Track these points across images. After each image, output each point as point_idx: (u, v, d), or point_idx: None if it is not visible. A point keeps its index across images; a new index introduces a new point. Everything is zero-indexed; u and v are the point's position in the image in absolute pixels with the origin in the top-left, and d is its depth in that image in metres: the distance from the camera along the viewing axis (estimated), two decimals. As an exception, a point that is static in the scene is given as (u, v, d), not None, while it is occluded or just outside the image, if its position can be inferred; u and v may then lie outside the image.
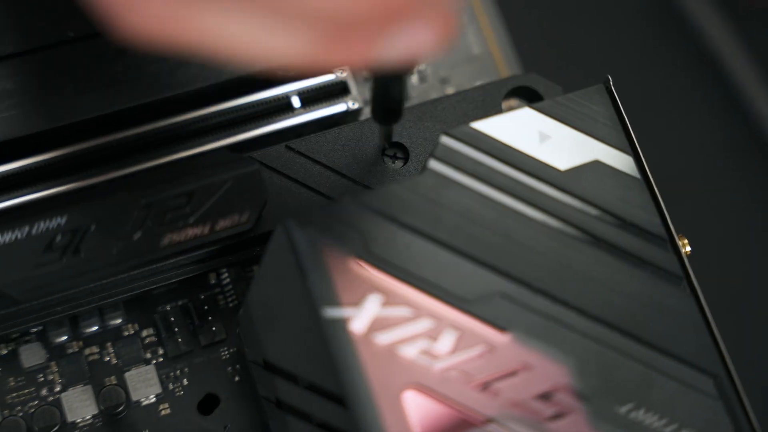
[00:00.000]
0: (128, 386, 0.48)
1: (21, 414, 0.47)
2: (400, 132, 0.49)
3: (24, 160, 0.48)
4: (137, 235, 0.44)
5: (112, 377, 0.48)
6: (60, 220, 0.44)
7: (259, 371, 0.45)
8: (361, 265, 0.42)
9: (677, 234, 0.45)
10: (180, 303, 0.50)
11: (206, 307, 0.49)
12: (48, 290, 0.44)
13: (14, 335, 0.48)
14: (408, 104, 0.55)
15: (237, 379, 0.49)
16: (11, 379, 0.48)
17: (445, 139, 0.45)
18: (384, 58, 0.34)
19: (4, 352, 0.48)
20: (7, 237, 0.43)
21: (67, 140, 0.49)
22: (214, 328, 0.49)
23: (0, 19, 0.49)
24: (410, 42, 0.34)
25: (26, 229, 0.43)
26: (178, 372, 0.49)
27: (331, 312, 0.41)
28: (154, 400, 0.48)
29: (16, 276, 0.43)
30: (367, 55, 0.34)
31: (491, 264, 0.43)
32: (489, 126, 0.45)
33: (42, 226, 0.43)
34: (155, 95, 0.49)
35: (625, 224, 0.44)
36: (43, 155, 0.49)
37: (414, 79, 0.56)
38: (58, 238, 0.43)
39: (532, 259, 0.43)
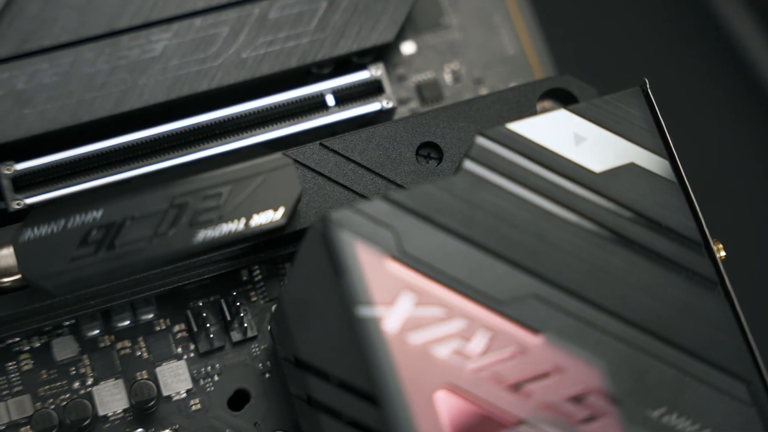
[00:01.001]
0: (159, 381, 0.48)
1: (53, 407, 0.48)
2: (434, 131, 0.49)
3: (60, 153, 0.49)
4: (172, 231, 0.44)
5: (144, 372, 0.49)
6: (96, 215, 0.44)
7: (291, 368, 0.45)
8: (394, 265, 0.42)
9: (712, 238, 0.45)
10: (212, 299, 0.50)
11: (238, 304, 0.49)
12: (82, 284, 0.44)
13: (47, 328, 0.48)
14: (442, 104, 0.55)
15: (267, 376, 0.49)
16: (43, 371, 0.48)
17: (481, 140, 0.45)
18: None
19: (37, 344, 0.48)
20: (43, 230, 0.43)
21: (102, 135, 0.49)
22: (245, 325, 0.49)
23: (40, 12, 0.49)
24: None
25: (62, 222, 0.43)
26: (209, 368, 0.49)
27: (365, 311, 0.41)
28: (184, 395, 0.49)
29: (52, 269, 0.43)
30: None
31: (525, 265, 0.43)
32: (524, 127, 0.45)
33: (78, 220, 0.44)
34: (191, 91, 0.49)
35: (660, 228, 0.44)
36: (79, 149, 0.49)
37: (448, 79, 0.56)
38: (94, 232, 0.44)
39: (566, 261, 0.43)
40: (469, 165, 0.44)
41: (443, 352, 0.42)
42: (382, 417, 0.41)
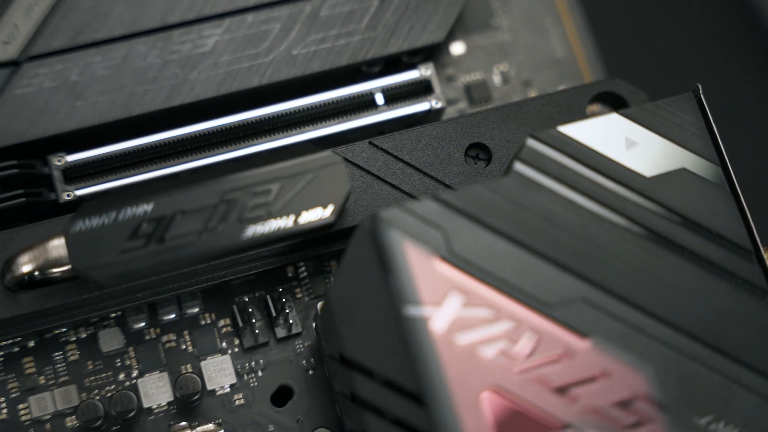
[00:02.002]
0: (204, 375, 0.49)
1: (98, 397, 0.48)
2: (484, 133, 0.49)
3: (111, 146, 0.49)
4: (221, 226, 0.44)
5: (188, 365, 0.49)
6: (146, 208, 0.44)
7: (336, 366, 0.46)
8: (443, 265, 0.42)
9: (763, 246, 0.44)
10: (257, 294, 0.50)
11: (284, 300, 0.49)
12: (131, 277, 0.44)
13: (94, 319, 0.49)
14: (490, 105, 0.55)
15: (311, 372, 0.49)
16: (89, 362, 0.48)
17: (532, 142, 0.45)
18: None
19: (84, 335, 0.49)
20: (94, 222, 0.43)
21: (152, 129, 0.50)
22: (290, 321, 0.49)
23: (94, 5, 0.49)
24: None
25: (113, 215, 0.44)
26: (253, 363, 0.49)
27: (413, 310, 0.41)
28: (228, 390, 0.49)
29: (101, 261, 0.43)
30: None
31: (574, 269, 0.43)
32: (576, 130, 0.45)
33: (128, 212, 0.44)
34: (241, 87, 0.50)
35: (710, 234, 0.44)
36: (129, 142, 0.49)
37: (497, 80, 0.56)
38: (144, 225, 0.44)
39: (615, 266, 0.43)
40: (519, 167, 0.44)
41: (490, 353, 0.41)
42: (427, 417, 0.41)
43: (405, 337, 0.41)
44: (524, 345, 0.42)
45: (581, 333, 0.42)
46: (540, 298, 0.42)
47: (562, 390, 0.41)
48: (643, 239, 0.44)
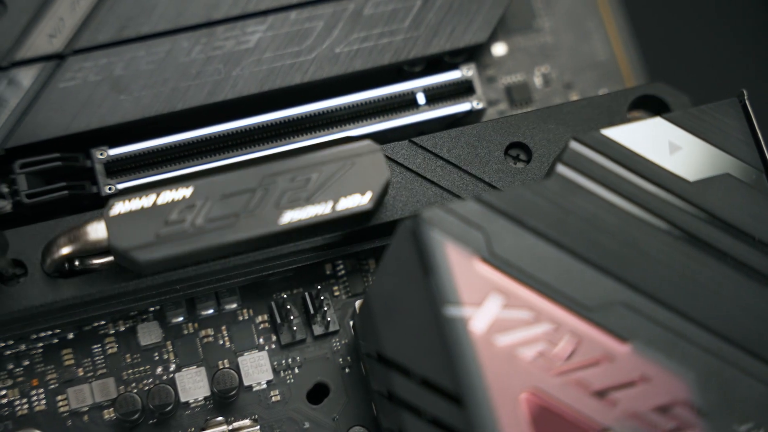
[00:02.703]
0: (241, 371, 0.49)
1: (135, 391, 0.48)
2: (524, 133, 0.49)
3: (153, 140, 0.49)
4: (259, 211, 0.44)
5: (225, 360, 0.49)
6: (185, 192, 0.44)
7: (373, 364, 0.46)
8: (483, 266, 0.42)
9: (806, 254, 0.44)
10: (295, 291, 0.50)
11: (322, 298, 0.49)
12: (169, 260, 0.44)
13: (132, 313, 0.49)
14: (531, 107, 0.55)
15: (347, 371, 0.49)
16: (128, 355, 0.49)
17: (574, 144, 0.45)
18: None
19: (122, 328, 0.49)
20: (135, 205, 0.44)
21: (194, 124, 0.50)
22: (328, 319, 0.49)
23: (141, 1, 0.49)
24: None
25: (153, 198, 0.44)
26: (290, 360, 0.49)
27: (453, 310, 0.41)
28: (265, 386, 0.49)
29: (140, 242, 0.43)
30: None
31: (615, 272, 0.43)
32: (619, 133, 0.45)
33: (168, 196, 0.44)
34: (284, 84, 0.50)
35: (753, 241, 0.44)
36: (171, 137, 0.49)
37: (538, 82, 0.55)
38: (183, 209, 0.44)
39: (657, 270, 0.43)
40: (561, 169, 0.44)
41: (529, 355, 0.41)
42: (465, 417, 0.41)
43: (444, 338, 0.41)
44: (564, 348, 0.42)
45: (621, 337, 0.42)
46: (580, 301, 0.42)
47: (601, 394, 0.41)
48: (685, 244, 0.43)
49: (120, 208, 0.44)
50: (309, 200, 0.45)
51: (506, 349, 0.41)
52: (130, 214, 0.44)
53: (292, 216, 0.45)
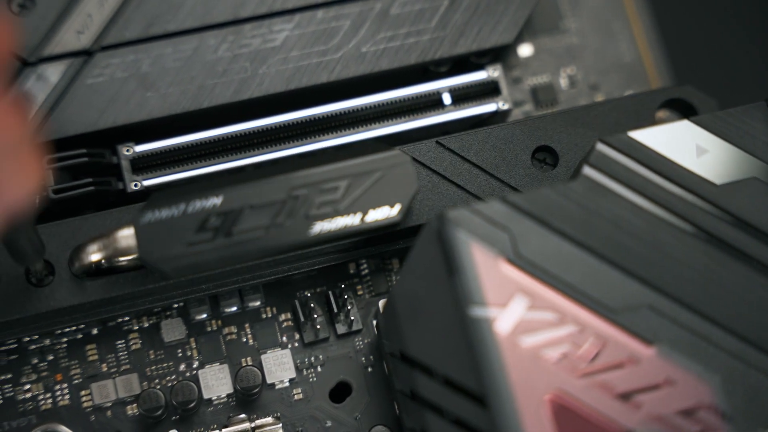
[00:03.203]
0: (264, 368, 0.49)
1: (158, 387, 0.48)
2: (551, 136, 0.49)
3: (179, 137, 0.49)
4: (289, 222, 0.45)
5: (248, 358, 0.49)
6: (215, 201, 0.44)
7: (396, 363, 0.46)
8: (509, 267, 0.42)
9: (833, 259, 0.44)
10: (318, 290, 0.50)
11: (345, 296, 0.49)
12: (198, 269, 0.44)
13: (156, 309, 0.49)
14: (556, 108, 0.55)
15: (370, 370, 0.49)
16: (151, 352, 0.49)
17: (601, 147, 0.44)
18: None
19: (146, 325, 0.49)
20: (164, 214, 0.44)
21: (220, 122, 0.50)
22: (352, 318, 0.49)
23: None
24: None
25: (182, 207, 0.44)
26: (313, 358, 0.49)
27: (478, 311, 0.41)
28: (287, 384, 0.49)
29: (169, 252, 0.44)
30: None
31: (640, 275, 0.43)
32: (646, 136, 0.45)
33: (197, 205, 0.44)
34: (310, 82, 0.50)
35: (780, 245, 0.44)
36: (197, 134, 0.49)
37: (563, 83, 0.55)
38: (212, 218, 0.44)
39: (682, 273, 0.43)
40: (588, 171, 0.44)
41: (554, 357, 0.41)
42: (488, 418, 0.41)
43: (469, 338, 0.41)
44: (588, 350, 0.42)
45: (646, 340, 0.42)
46: (605, 304, 0.42)
47: (625, 396, 0.41)
48: (712, 247, 0.43)
49: (150, 216, 0.44)
50: (338, 212, 0.45)
51: (531, 350, 0.41)
52: (160, 223, 0.44)
53: (321, 227, 0.45)
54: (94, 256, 0.45)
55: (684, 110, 0.50)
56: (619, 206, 0.44)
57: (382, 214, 0.45)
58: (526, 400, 0.41)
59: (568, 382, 0.41)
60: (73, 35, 0.49)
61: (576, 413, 0.41)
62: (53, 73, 0.48)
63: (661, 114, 0.51)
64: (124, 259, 0.45)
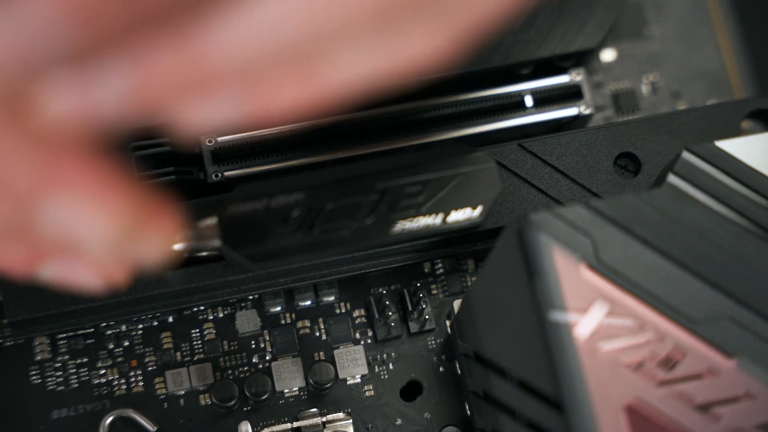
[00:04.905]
0: (336, 363, 0.49)
1: (231, 377, 0.48)
2: (634, 143, 0.49)
3: (260, 130, 0.49)
4: (371, 220, 0.45)
5: (321, 352, 0.49)
6: (298, 196, 0.44)
7: (471, 364, 0.45)
8: (590, 273, 0.42)
9: None
10: (392, 287, 0.50)
11: (421, 295, 0.49)
12: (278, 264, 0.45)
13: (232, 300, 0.49)
14: (637, 115, 0.54)
15: (441, 369, 0.49)
16: (225, 342, 0.49)
17: (687, 155, 0.44)
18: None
19: (221, 315, 0.49)
20: (248, 207, 0.44)
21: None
22: (425, 317, 0.49)
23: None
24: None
25: (266, 201, 0.44)
26: (385, 356, 0.49)
27: (558, 316, 0.41)
28: (359, 380, 0.49)
29: (251, 246, 0.44)
30: None
31: (722, 286, 0.42)
32: (733, 146, 0.44)
33: (281, 200, 0.44)
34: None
35: None
36: (278, 127, 0.50)
37: (645, 89, 0.55)
38: (295, 213, 0.44)
39: (765, 286, 0.42)
40: (673, 179, 0.44)
41: (632, 364, 0.41)
42: (564, 423, 0.41)
43: (548, 342, 0.41)
44: (667, 359, 0.41)
45: (727, 352, 0.41)
46: (686, 313, 0.42)
47: (704, 408, 0.41)
48: (796, 261, 0.43)
49: (234, 209, 0.44)
50: (420, 212, 0.45)
51: (610, 357, 0.41)
52: (244, 216, 0.44)
53: (403, 226, 0.45)
54: (177, 246, 0.45)
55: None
56: (703, 216, 0.43)
57: (463, 215, 0.45)
58: (604, 407, 0.40)
59: (646, 390, 0.41)
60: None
61: (653, 422, 0.41)
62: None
63: (745, 124, 0.51)
64: (205, 250, 0.45)
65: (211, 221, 0.44)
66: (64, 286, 0.35)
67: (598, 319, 0.41)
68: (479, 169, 0.45)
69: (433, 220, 0.45)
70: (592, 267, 0.42)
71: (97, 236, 0.32)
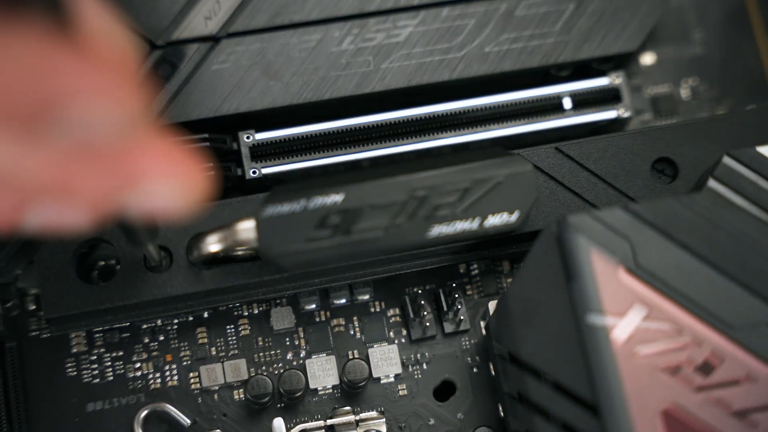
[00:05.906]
0: (370, 362, 0.49)
1: (266, 374, 0.48)
2: (672, 147, 0.48)
3: (298, 127, 0.50)
4: (407, 224, 0.45)
5: (355, 351, 0.49)
6: (336, 199, 0.44)
7: (506, 365, 0.45)
8: (628, 276, 0.42)
9: None
10: (427, 287, 0.50)
11: (456, 296, 0.49)
12: (314, 265, 0.45)
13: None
14: (675, 119, 0.54)
15: (475, 370, 0.49)
16: (260, 338, 0.49)
17: (728, 160, 0.44)
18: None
19: (256, 312, 0.49)
20: (285, 208, 0.44)
21: (339, 114, 0.50)
22: (460, 317, 0.49)
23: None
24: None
25: (303, 202, 0.44)
26: (419, 356, 0.49)
27: (595, 318, 0.41)
28: (392, 379, 0.49)
29: (288, 247, 0.44)
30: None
31: (761, 292, 0.42)
32: (774, 152, 0.44)
33: (318, 201, 0.44)
34: (431, 80, 0.50)
35: None
36: (316, 125, 0.50)
37: (684, 94, 0.55)
38: (333, 216, 0.44)
39: (805, 293, 0.42)
40: (713, 184, 0.43)
41: (669, 369, 0.41)
42: (600, 426, 0.40)
43: (585, 345, 0.41)
44: (705, 365, 0.41)
45: (765, 358, 0.41)
46: (724, 319, 0.42)
47: (741, 414, 0.41)
48: (836, 269, 0.42)
49: (271, 210, 0.44)
50: (457, 215, 0.45)
51: (647, 362, 0.41)
52: (280, 217, 0.44)
53: (440, 230, 0.45)
54: (214, 246, 0.45)
55: (810, 128, 0.49)
56: (744, 221, 0.43)
57: (500, 220, 0.45)
58: (640, 411, 0.40)
59: (683, 395, 0.41)
60: (201, 21, 0.49)
61: (690, 428, 0.40)
62: (180, 57, 0.49)
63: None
64: (241, 251, 0.45)
65: (248, 224, 0.44)
66: (51, 230, 0.33)
67: (636, 322, 0.41)
68: (517, 173, 0.45)
69: (470, 225, 0.45)
70: (631, 270, 0.42)
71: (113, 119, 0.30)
